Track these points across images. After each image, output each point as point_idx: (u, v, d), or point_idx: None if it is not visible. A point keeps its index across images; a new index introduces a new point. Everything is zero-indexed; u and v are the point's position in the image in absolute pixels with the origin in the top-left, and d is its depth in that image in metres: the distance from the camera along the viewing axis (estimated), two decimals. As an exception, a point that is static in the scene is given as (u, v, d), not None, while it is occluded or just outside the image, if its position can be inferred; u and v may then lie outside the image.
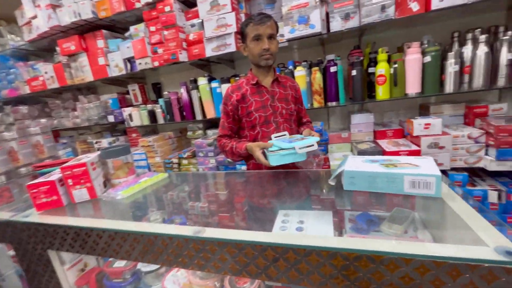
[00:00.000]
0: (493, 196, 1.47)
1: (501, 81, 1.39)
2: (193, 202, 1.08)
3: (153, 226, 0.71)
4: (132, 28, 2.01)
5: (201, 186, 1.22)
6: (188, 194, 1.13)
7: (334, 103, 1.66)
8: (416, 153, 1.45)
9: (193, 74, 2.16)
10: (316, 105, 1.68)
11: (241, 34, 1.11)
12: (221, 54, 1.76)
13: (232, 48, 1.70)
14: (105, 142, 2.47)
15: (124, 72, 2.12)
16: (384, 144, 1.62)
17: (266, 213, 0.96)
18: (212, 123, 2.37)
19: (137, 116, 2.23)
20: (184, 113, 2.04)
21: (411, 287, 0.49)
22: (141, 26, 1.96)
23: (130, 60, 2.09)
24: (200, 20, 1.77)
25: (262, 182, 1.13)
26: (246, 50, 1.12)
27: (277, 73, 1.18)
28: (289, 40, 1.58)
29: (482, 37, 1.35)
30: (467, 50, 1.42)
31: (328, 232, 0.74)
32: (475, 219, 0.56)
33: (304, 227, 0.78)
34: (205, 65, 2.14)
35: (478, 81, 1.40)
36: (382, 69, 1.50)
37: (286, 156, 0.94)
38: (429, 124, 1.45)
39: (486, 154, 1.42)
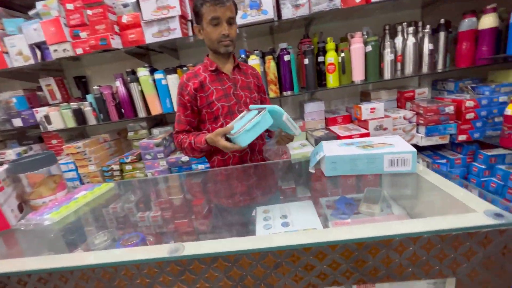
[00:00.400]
0: (423, 168, 1.72)
1: (425, 68, 1.61)
2: (151, 212, 0.91)
3: (111, 254, 0.54)
4: (39, 5, 1.58)
5: (158, 192, 1.04)
6: (143, 205, 0.95)
7: (289, 93, 1.66)
8: (366, 135, 1.57)
9: (129, 65, 1.86)
10: (272, 95, 1.64)
11: (195, 14, 0.97)
12: (164, 41, 1.54)
13: (177, 34, 1.51)
14: (11, 154, 1.92)
15: (32, 61, 1.66)
16: (336, 130, 1.71)
17: (242, 213, 0.87)
18: (158, 121, 2.10)
19: (57, 118, 1.79)
20: (123, 111, 1.74)
21: (417, 266, 0.48)
22: (53, 2, 1.55)
23: (40, 47, 1.65)
24: (135, 0, 1.50)
25: (230, 180, 1.03)
26: (202, 33, 0.98)
27: (237, 60, 1.08)
28: (240, 27, 1.48)
29: (410, 29, 1.53)
30: (398, 41, 1.60)
31: (315, 222, 0.71)
32: (453, 188, 0.60)
33: (289, 222, 0.73)
34: (143, 54, 1.86)
35: (409, 68, 1.60)
36: (331, 57, 1.57)
37: (253, 130, 0.82)
38: (374, 108, 1.58)
39: (417, 132, 1.65)
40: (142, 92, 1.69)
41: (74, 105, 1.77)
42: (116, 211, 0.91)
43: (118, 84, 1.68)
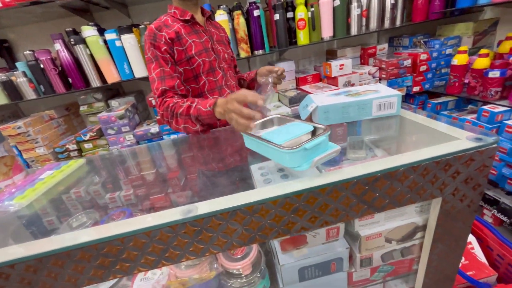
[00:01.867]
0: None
1: (386, 23, 1.68)
2: (135, 188, 0.85)
3: (118, 226, 0.48)
4: None
5: (139, 164, 0.95)
6: (125, 179, 0.87)
7: (260, 52, 1.59)
8: (336, 92, 1.63)
9: (66, 25, 1.54)
10: (243, 54, 1.56)
11: None
12: (111, -10, 1.28)
13: (127, -18, 1.26)
14: None
15: None
16: (308, 89, 1.74)
17: (237, 173, 0.86)
18: (114, 92, 1.85)
19: (-21, 94, 1.45)
20: (70, 80, 1.48)
21: (414, 192, 0.54)
22: None
23: None
24: None
25: (217, 143, 0.99)
26: None
27: (208, 11, 0.96)
28: (203, -25, 1.31)
29: (375, -18, 1.54)
30: (363, -5, 1.61)
31: (313, 171, 0.74)
32: (435, 123, 0.67)
33: (288, 174, 0.74)
34: (84, 10, 1.54)
35: (373, 23, 1.65)
36: (301, 12, 1.51)
37: (311, 151, 0.57)
38: (343, 65, 1.63)
39: (380, 86, 1.77)
40: (92, 56, 1.44)
41: (1, 76, 1.43)
42: (95, 189, 0.81)
43: (59, 47, 1.39)
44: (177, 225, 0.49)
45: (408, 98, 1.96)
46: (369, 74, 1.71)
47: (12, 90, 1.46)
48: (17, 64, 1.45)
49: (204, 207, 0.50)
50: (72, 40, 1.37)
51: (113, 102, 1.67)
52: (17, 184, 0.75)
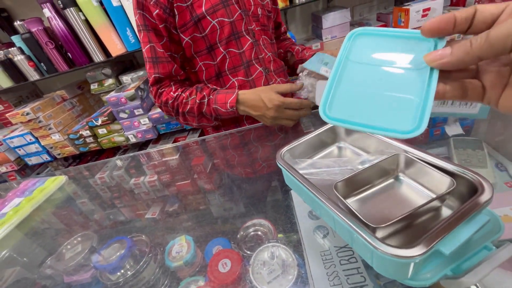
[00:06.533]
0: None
1: None
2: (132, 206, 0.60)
3: None
4: None
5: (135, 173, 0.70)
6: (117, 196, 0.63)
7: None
8: (414, 53, 1.13)
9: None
10: (281, 5, 1.12)
11: None
12: None
13: None
14: (-48, 130, 1.50)
15: None
16: (368, 49, 1.26)
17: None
18: (126, 64, 1.59)
19: (-16, 76, 1.30)
20: (69, 55, 1.23)
21: None
22: None
23: None
24: None
25: (248, 145, 0.68)
26: None
27: None
28: None
29: None
30: None
31: None
32: None
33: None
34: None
35: None
36: None
37: None
38: (428, 9, 1.09)
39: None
40: (88, 22, 1.15)
41: (-1, 54, 1.25)
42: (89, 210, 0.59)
43: (49, 14, 1.12)
44: None
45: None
46: (469, 21, 1.14)
47: (14, 70, 1.27)
48: (12, 38, 1.24)
49: None
50: (61, 4, 1.07)
51: (125, 78, 1.41)
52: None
